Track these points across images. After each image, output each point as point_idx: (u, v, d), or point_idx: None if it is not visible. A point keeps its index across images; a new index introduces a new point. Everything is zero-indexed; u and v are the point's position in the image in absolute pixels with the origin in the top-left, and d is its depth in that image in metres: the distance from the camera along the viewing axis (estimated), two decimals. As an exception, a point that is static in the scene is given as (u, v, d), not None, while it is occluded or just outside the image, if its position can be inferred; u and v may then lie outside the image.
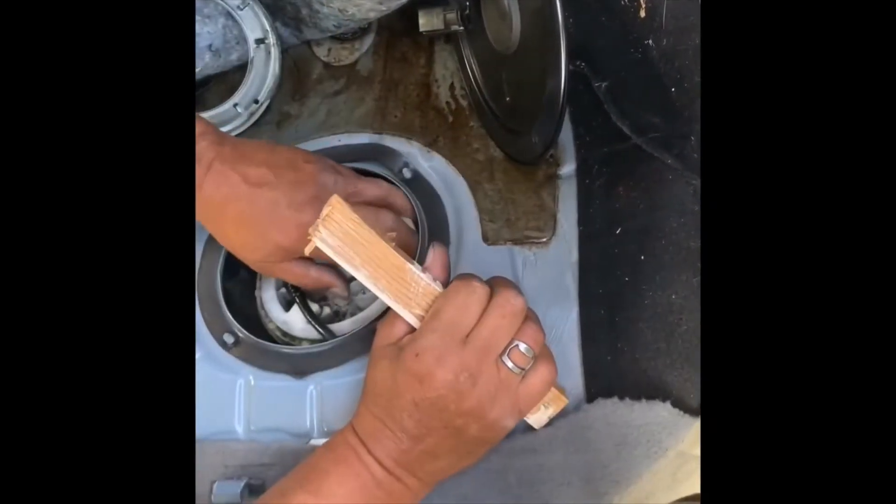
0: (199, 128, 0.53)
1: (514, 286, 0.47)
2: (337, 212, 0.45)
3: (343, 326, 0.61)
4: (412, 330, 0.47)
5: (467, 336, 0.45)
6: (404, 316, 0.47)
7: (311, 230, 0.45)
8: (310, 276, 0.57)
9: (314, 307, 0.63)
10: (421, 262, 0.48)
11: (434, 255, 0.48)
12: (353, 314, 0.62)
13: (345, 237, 0.45)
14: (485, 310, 0.46)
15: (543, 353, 0.48)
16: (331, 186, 0.55)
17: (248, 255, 0.56)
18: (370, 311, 0.61)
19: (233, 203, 0.53)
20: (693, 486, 0.52)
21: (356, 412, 0.49)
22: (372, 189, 0.59)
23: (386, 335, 0.48)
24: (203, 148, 0.53)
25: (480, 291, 0.46)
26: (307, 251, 0.46)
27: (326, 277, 0.58)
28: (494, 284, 0.47)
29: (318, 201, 0.53)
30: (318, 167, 0.56)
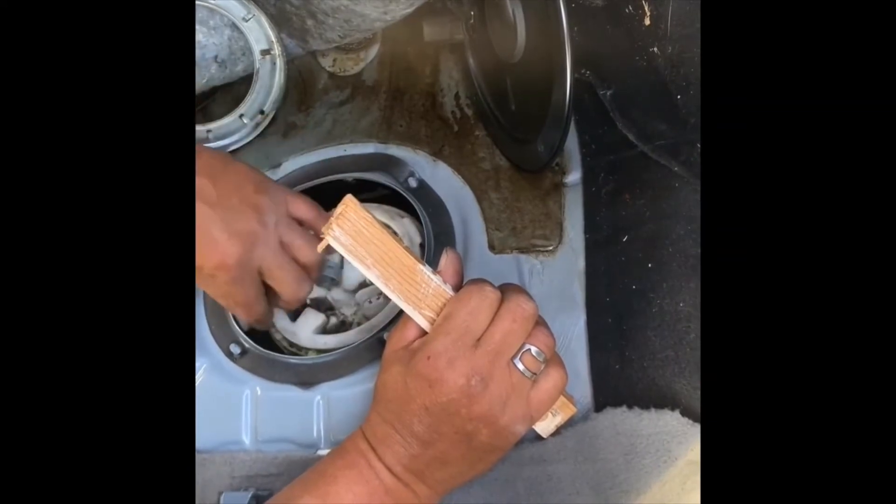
0: None
1: (524, 291, 0.47)
2: (350, 210, 0.45)
3: (350, 336, 0.61)
4: (423, 334, 0.47)
5: (479, 340, 0.45)
6: (414, 317, 0.47)
7: (324, 228, 0.46)
8: (246, 307, 0.55)
9: (321, 317, 0.63)
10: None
11: (448, 259, 0.48)
12: (359, 323, 0.62)
13: (357, 236, 0.46)
14: (496, 314, 0.46)
15: (554, 359, 0.48)
16: (270, 227, 0.53)
17: None
18: (377, 321, 0.61)
19: None
20: (703, 495, 0.52)
21: (366, 418, 0.49)
22: (305, 251, 0.55)
23: (397, 339, 0.48)
24: None
25: (492, 296, 0.46)
26: (319, 248, 0.46)
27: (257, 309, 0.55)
28: (505, 290, 0.47)
29: (253, 237, 0.51)
30: (266, 201, 0.53)
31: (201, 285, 0.53)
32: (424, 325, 0.47)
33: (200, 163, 0.51)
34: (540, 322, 0.47)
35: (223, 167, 0.52)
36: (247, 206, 0.51)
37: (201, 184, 0.50)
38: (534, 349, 0.46)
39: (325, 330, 0.62)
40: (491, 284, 0.47)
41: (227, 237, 0.50)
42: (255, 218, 0.52)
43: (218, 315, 0.62)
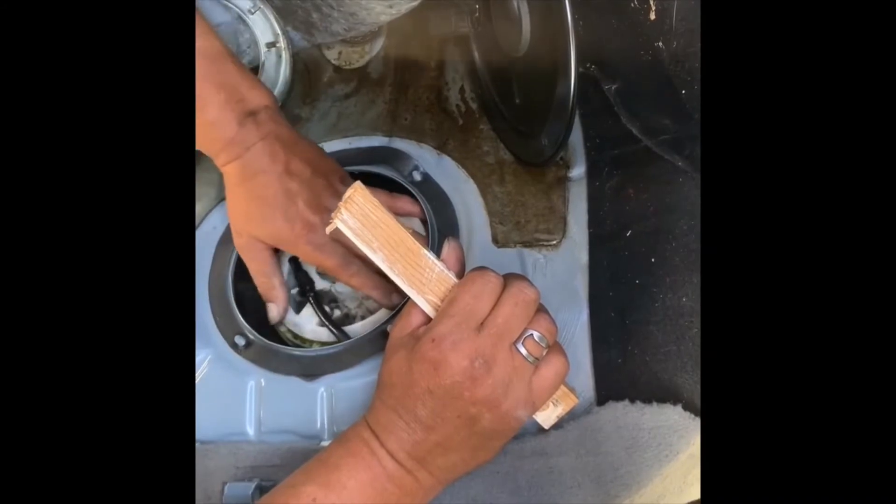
0: (264, 99, 0.58)
1: (526, 278, 0.48)
2: (358, 195, 0.47)
3: (354, 329, 0.62)
4: (427, 321, 0.48)
5: (482, 324, 0.46)
6: (418, 302, 0.48)
7: (333, 214, 0.47)
8: (263, 275, 0.61)
9: (325, 309, 0.63)
10: None
11: (449, 247, 0.49)
12: (363, 317, 0.62)
13: (364, 220, 0.47)
14: (499, 299, 0.46)
15: (556, 347, 0.48)
16: None
17: (241, 225, 0.59)
18: (381, 314, 0.61)
19: (262, 177, 0.56)
20: (704, 489, 0.52)
21: (370, 406, 0.49)
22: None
23: (402, 326, 0.49)
24: (264, 118, 0.57)
25: (494, 281, 0.47)
26: (328, 231, 0.47)
27: (271, 286, 0.61)
28: (507, 277, 0.48)
29: (329, 213, 0.56)
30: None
31: (293, 251, 0.61)
32: (428, 309, 0.48)
33: (303, 146, 0.59)
34: (541, 308, 0.48)
35: (320, 156, 0.61)
36: (331, 190, 0.59)
37: (301, 167, 0.58)
38: (536, 334, 0.46)
39: (332, 321, 0.62)
40: (493, 271, 0.48)
41: (309, 209, 0.57)
42: (336, 200, 0.57)
43: (223, 307, 0.62)
